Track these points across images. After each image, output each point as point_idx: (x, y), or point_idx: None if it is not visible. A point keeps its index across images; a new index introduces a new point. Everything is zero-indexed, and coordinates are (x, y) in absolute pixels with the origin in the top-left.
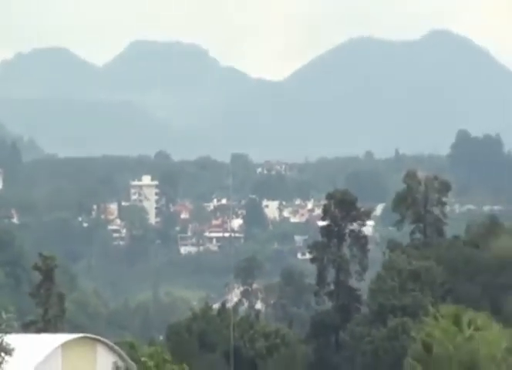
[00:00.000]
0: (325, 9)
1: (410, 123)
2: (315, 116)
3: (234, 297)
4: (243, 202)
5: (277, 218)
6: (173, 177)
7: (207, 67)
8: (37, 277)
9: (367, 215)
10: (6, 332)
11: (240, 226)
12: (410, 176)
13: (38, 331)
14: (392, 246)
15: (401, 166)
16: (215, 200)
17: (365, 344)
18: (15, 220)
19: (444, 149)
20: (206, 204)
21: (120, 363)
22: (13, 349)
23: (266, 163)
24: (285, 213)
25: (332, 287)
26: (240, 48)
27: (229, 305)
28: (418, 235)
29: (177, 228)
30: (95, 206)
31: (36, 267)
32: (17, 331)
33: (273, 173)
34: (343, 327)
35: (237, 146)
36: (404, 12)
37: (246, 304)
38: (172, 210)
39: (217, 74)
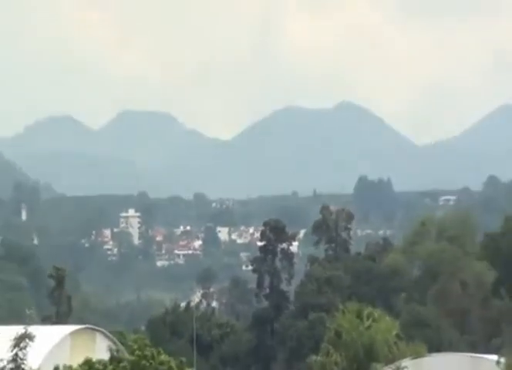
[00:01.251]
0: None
1: (324, 171)
2: (255, 165)
3: (196, 298)
4: (202, 228)
5: (227, 240)
6: (150, 210)
7: (175, 129)
8: (51, 283)
9: (293, 238)
10: (29, 324)
11: (200, 246)
12: (325, 209)
13: (53, 323)
14: (312, 260)
15: (318, 202)
16: (182, 227)
17: (292, 332)
18: (35, 242)
19: (349, 189)
20: (175, 230)
21: (113, 346)
22: (34, 336)
23: (219, 199)
24: (233, 237)
25: (268, 290)
26: (201, 114)
27: (192, 304)
28: (330, 252)
29: (154, 247)
30: (94, 232)
31: (51, 276)
32: (37, 323)
33: (224, 206)
34: (276, 319)
35: (197, 187)
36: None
37: (205, 303)
38: (150, 234)
39: (183, 134)
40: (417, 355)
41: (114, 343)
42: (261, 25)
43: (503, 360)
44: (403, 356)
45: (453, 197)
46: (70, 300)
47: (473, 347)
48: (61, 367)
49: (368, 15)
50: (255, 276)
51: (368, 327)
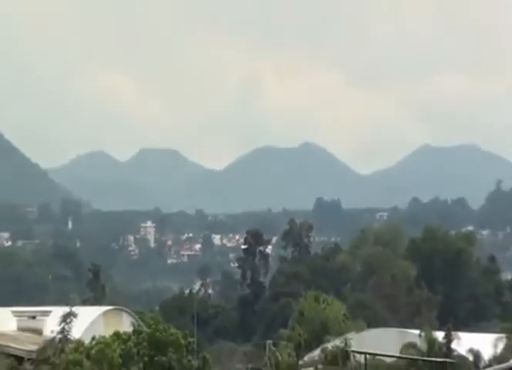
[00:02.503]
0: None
1: (292, 193)
2: (241, 189)
3: (196, 286)
4: (201, 235)
5: (220, 244)
6: (163, 222)
7: (181, 162)
8: (90, 275)
9: (268, 242)
10: (73, 306)
11: (200, 248)
12: (291, 222)
13: (90, 305)
14: (281, 259)
15: (287, 216)
16: (186, 234)
17: (268, 313)
18: (78, 245)
19: (310, 206)
20: (181, 236)
21: (135, 322)
22: (77, 314)
23: (213, 214)
24: (224, 241)
25: (249, 281)
26: (201, 151)
27: (193, 291)
28: (295, 253)
29: (166, 249)
30: (121, 238)
31: (89, 270)
32: (78, 305)
33: (217, 219)
34: (255, 303)
35: (198, 205)
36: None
37: (203, 290)
38: (163, 239)
39: (187, 165)
40: (359, 330)
41: (136, 320)
42: (245, 85)
43: (423, 333)
44: (349, 330)
45: (385, 213)
46: (104, 288)
47: (401, 324)
48: (97, 337)
49: (328, 79)
50: (240, 271)
51: (324, 308)
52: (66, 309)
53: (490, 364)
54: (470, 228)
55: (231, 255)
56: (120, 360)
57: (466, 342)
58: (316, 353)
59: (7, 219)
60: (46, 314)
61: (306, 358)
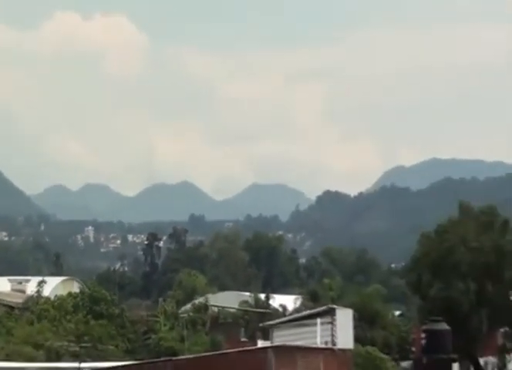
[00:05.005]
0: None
1: (176, 212)
2: (145, 208)
3: (118, 266)
4: (121, 235)
5: (132, 241)
6: (99, 227)
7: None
8: (54, 259)
9: (160, 240)
10: (43, 276)
11: (120, 243)
12: (175, 228)
13: (54, 276)
14: (169, 250)
15: (172, 225)
16: (112, 234)
17: (160, 282)
18: (47, 240)
19: (186, 219)
20: (109, 235)
21: (81, 287)
22: (46, 282)
23: (128, 222)
24: (135, 239)
25: (149, 263)
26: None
27: (116, 268)
28: (177, 247)
29: (100, 243)
30: (73, 236)
31: (54, 255)
32: (47, 276)
33: (131, 226)
34: (153, 275)
35: (119, 217)
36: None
37: (121, 268)
38: (98, 237)
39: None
40: (214, 292)
41: (82, 285)
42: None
43: (252, 295)
44: (208, 293)
45: (231, 223)
46: (62, 266)
47: (239, 289)
48: (58, 295)
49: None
50: (144, 256)
51: (193, 280)
52: (40, 278)
53: (291, 314)
54: (281, 233)
55: (139, 247)
56: (72, 309)
57: (277, 300)
58: (188, 306)
59: (5, 223)
60: (28, 281)
61: (182, 309)
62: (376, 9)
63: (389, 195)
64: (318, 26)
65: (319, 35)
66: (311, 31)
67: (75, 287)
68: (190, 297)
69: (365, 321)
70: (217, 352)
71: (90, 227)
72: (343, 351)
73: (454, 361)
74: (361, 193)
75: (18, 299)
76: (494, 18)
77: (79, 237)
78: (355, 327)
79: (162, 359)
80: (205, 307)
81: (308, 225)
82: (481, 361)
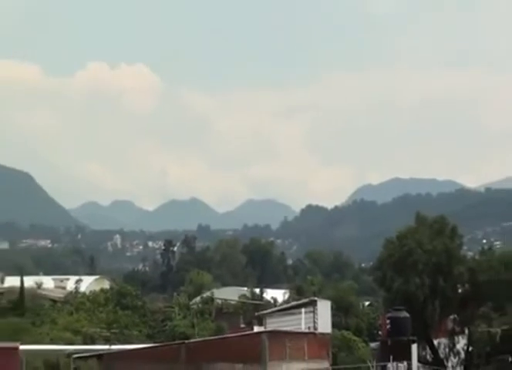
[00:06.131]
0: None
1: (188, 223)
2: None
3: (140, 267)
4: (143, 242)
5: (152, 246)
6: (125, 235)
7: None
8: (89, 262)
9: (175, 245)
10: (80, 275)
11: (142, 248)
12: (186, 236)
13: (89, 275)
14: (182, 254)
15: (184, 233)
16: (136, 241)
17: (174, 280)
18: (83, 246)
19: (195, 229)
20: (133, 242)
21: (111, 284)
22: (82, 280)
23: (149, 231)
24: (153, 245)
25: (166, 264)
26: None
27: (140, 269)
28: (189, 251)
29: (126, 249)
30: (104, 243)
31: (90, 259)
32: (83, 275)
33: (152, 234)
34: (169, 274)
35: (142, 227)
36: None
37: (144, 269)
38: (124, 244)
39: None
40: (219, 288)
41: (112, 283)
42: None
43: (249, 289)
44: (214, 288)
45: (231, 232)
46: (95, 267)
47: (238, 285)
48: (92, 291)
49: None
50: (161, 259)
51: (201, 278)
52: (77, 277)
53: (281, 305)
54: (272, 239)
55: (157, 251)
56: (103, 302)
57: (269, 294)
58: (198, 299)
59: (49, 232)
60: (68, 279)
61: (193, 301)
62: (346, 54)
63: (359, 208)
64: (295, 70)
65: (299, 75)
66: (291, 74)
67: (106, 284)
68: (198, 292)
69: (341, 311)
70: (221, 336)
71: (118, 236)
72: (323, 334)
73: (413, 342)
74: (336, 206)
75: (60, 294)
76: (445, 65)
77: (108, 243)
78: (333, 316)
79: (176, 342)
80: (211, 299)
81: (294, 233)
82: (435, 342)
